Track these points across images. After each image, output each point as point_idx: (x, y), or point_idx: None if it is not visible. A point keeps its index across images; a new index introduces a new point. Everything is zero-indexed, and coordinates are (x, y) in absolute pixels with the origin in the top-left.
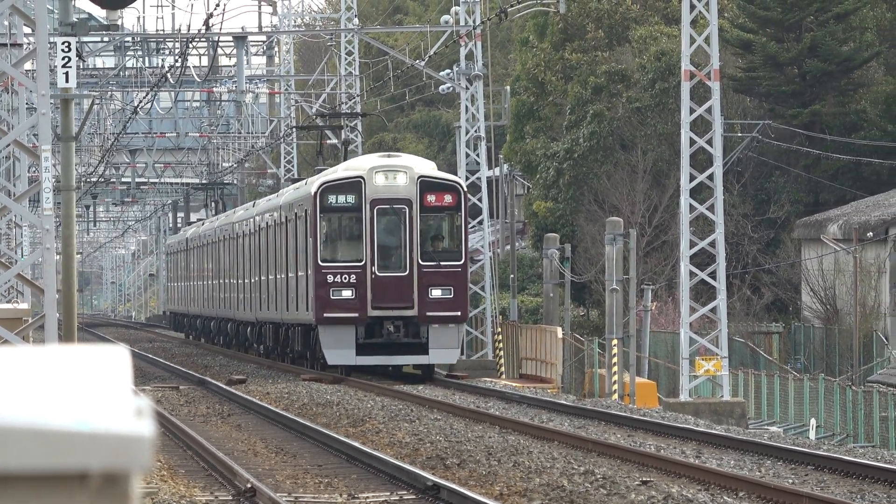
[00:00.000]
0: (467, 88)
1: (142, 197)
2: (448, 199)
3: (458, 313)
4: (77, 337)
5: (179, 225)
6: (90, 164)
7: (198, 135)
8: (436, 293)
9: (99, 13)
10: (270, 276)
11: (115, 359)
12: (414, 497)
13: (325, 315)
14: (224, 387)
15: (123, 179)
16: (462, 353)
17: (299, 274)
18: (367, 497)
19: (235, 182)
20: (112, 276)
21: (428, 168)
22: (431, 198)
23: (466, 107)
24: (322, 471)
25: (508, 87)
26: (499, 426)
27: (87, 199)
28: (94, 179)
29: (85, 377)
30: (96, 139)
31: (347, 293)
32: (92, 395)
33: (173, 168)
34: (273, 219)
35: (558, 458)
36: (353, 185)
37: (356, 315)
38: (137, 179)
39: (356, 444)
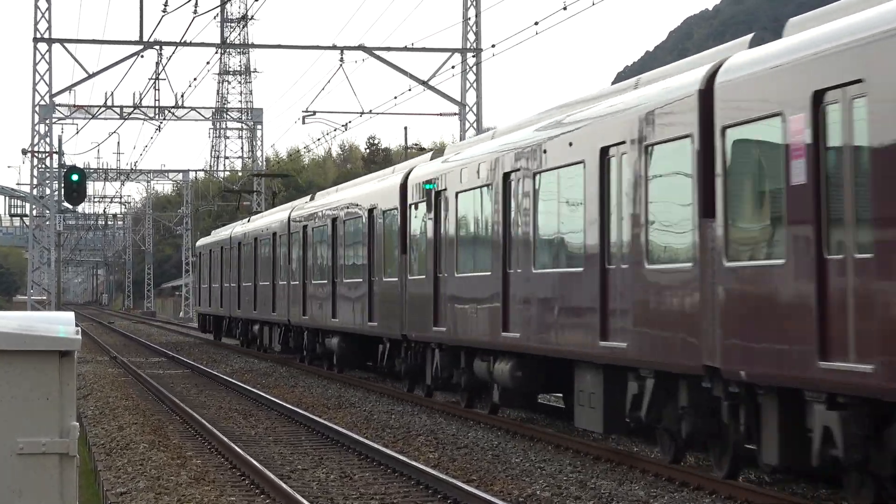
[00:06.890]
0: None
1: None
2: None
3: None
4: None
5: None
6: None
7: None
8: None
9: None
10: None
11: (69, 315)
12: (166, 360)
13: None
14: (108, 325)
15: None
16: None
17: None
18: (152, 360)
19: None
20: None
21: None
22: None
23: None
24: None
25: None
26: None
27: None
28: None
29: (60, 319)
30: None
31: None
32: (62, 324)
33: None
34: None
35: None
36: None
37: None
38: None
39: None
